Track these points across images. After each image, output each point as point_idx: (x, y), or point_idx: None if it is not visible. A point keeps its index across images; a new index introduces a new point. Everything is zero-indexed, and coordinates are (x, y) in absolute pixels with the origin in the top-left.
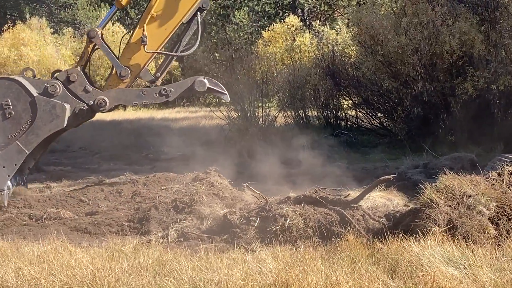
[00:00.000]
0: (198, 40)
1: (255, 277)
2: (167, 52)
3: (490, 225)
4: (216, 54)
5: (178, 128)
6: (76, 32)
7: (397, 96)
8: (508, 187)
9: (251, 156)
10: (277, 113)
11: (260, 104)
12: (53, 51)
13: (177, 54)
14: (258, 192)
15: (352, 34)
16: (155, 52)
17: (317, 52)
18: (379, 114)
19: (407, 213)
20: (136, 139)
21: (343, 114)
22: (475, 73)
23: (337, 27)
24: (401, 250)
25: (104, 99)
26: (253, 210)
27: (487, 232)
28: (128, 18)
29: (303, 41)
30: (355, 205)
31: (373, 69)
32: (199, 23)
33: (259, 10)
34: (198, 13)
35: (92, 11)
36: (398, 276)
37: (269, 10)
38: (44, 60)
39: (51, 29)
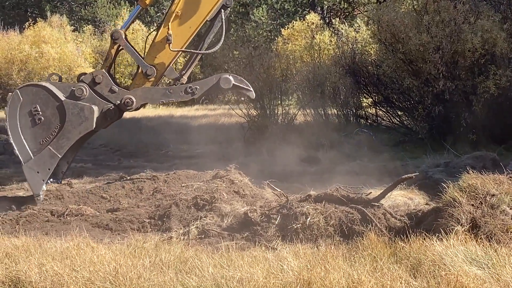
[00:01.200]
0: (223, 38)
1: (276, 275)
2: (192, 50)
3: None
4: (236, 51)
5: (197, 126)
6: (96, 30)
7: (418, 95)
8: None
9: (271, 154)
10: (297, 111)
11: (280, 102)
12: (74, 48)
13: (202, 52)
14: (278, 190)
15: (372, 32)
16: (180, 51)
17: (336, 50)
18: (399, 113)
19: (429, 212)
20: (155, 136)
21: (363, 112)
22: (497, 71)
23: (356, 25)
24: (423, 249)
25: (131, 98)
26: (273, 208)
27: (511, 232)
28: (148, 16)
29: (322, 39)
30: (376, 204)
31: (393, 67)
32: (223, 21)
33: (278, 8)
34: (222, 10)
35: (112, 9)
36: (420, 275)
37: (288, 8)
38: (64, 58)
39: (72, 27)
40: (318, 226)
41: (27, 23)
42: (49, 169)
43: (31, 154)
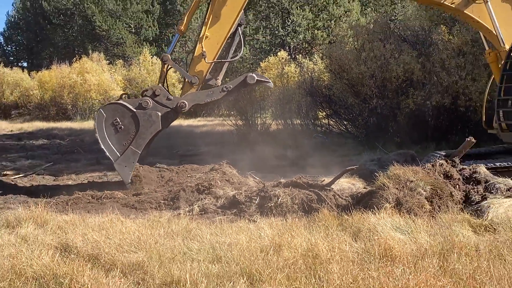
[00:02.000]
0: (242, 48)
1: (256, 240)
2: (222, 60)
3: (426, 202)
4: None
5: (199, 132)
6: (125, 63)
7: (358, 109)
8: (439, 175)
9: (252, 152)
10: (271, 122)
11: (259, 115)
12: (108, 76)
13: (229, 60)
14: (258, 179)
15: (325, 64)
16: (213, 62)
17: (300, 77)
18: (345, 122)
19: (366, 193)
20: (168, 140)
21: (319, 122)
22: (414, 92)
23: (314, 59)
24: (362, 220)
25: (184, 102)
26: (254, 191)
27: (424, 207)
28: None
29: (289, 69)
30: (328, 188)
31: (340, 90)
32: (241, 35)
33: (258, 47)
34: (239, 27)
35: (137, 47)
36: (360, 239)
37: (265, 47)
38: (101, 83)
39: (107, 61)
40: (286, 205)
41: (74, 58)
42: (133, 163)
43: (118, 154)
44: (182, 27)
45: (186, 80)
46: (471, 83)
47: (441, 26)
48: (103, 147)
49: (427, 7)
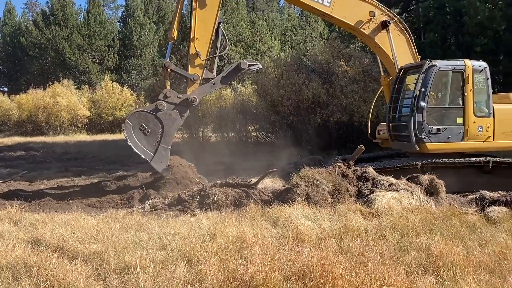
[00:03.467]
0: (227, 43)
1: (195, 230)
2: (213, 55)
3: (329, 196)
4: None
5: None
6: (90, 87)
7: (278, 124)
8: (338, 175)
9: (196, 160)
10: (211, 135)
11: (201, 129)
12: (76, 99)
13: (219, 54)
14: (199, 180)
15: (253, 89)
16: (206, 58)
17: (234, 99)
18: (269, 134)
19: (284, 190)
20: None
21: (249, 134)
22: (321, 111)
23: (245, 85)
24: (280, 211)
25: (194, 97)
26: (195, 191)
27: (327, 200)
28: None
29: (226, 93)
30: (254, 187)
31: (265, 109)
32: (223, 31)
33: None
34: (220, 25)
35: (100, 75)
36: (278, 226)
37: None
38: (70, 105)
39: (75, 86)
40: (221, 201)
41: (47, 84)
42: (167, 158)
43: (152, 154)
44: (173, 35)
45: (189, 78)
46: (362, 104)
47: (341, 60)
48: (137, 151)
49: (331, 45)
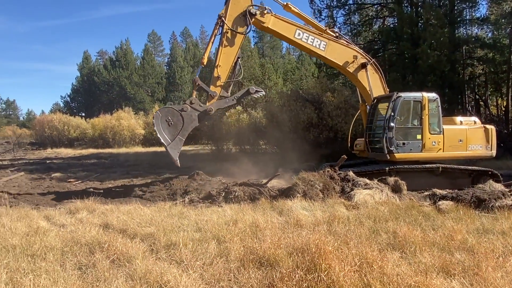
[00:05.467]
0: (242, 73)
1: (222, 217)
2: (230, 80)
3: (320, 192)
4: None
5: (189, 154)
6: (144, 113)
7: (282, 140)
8: (327, 177)
9: (221, 166)
10: (232, 147)
11: (224, 143)
12: (134, 121)
13: (234, 80)
14: (224, 181)
15: (263, 114)
16: (225, 81)
17: (249, 121)
18: (275, 147)
19: (287, 188)
20: (160, 158)
21: (260, 147)
22: (313, 130)
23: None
24: (284, 204)
25: (211, 108)
26: (221, 189)
27: (319, 196)
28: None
29: (243, 117)
30: (265, 186)
31: (272, 128)
32: (240, 64)
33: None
34: (238, 59)
35: (151, 104)
36: (282, 215)
37: None
38: (130, 125)
39: (133, 112)
40: (240, 196)
41: (114, 111)
42: (180, 147)
43: (170, 141)
44: (204, 61)
45: (209, 94)
46: (344, 125)
47: (327, 92)
48: (159, 135)
49: (320, 81)
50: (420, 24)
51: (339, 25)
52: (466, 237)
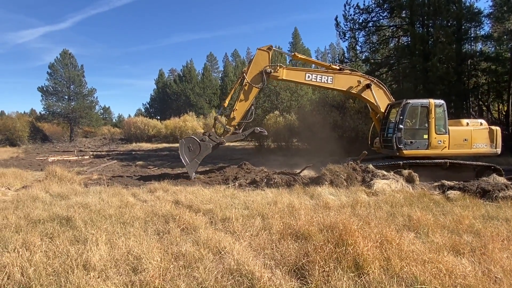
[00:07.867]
0: (253, 116)
1: (265, 199)
2: (243, 121)
3: (344, 181)
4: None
5: (238, 149)
6: (203, 116)
7: (312, 138)
8: (350, 168)
9: (262, 158)
10: (271, 144)
11: (265, 140)
12: (196, 123)
13: (246, 121)
14: (265, 170)
15: (296, 117)
16: (238, 121)
17: (284, 123)
18: (305, 144)
19: (316, 177)
20: (224, 152)
21: (294, 144)
22: (338, 130)
23: (291, 114)
24: (314, 190)
25: (223, 141)
26: (264, 176)
27: (344, 184)
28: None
29: (280, 119)
30: (299, 174)
31: (303, 129)
32: (253, 109)
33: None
34: (252, 106)
35: (209, 110)
36: (313, 198)
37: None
38: (193, 126)
39: (196, 116)
40: (279, 182)
41: (181, 115)
42: (195, 167)
43: (188, 162)
44: (225, 103)
45: (225, 129)
46: (364, 126)
47: (350, 99)
48: (181, 157)
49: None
50: (430, 41)
51: (360, 44)
52: (473, 222)
